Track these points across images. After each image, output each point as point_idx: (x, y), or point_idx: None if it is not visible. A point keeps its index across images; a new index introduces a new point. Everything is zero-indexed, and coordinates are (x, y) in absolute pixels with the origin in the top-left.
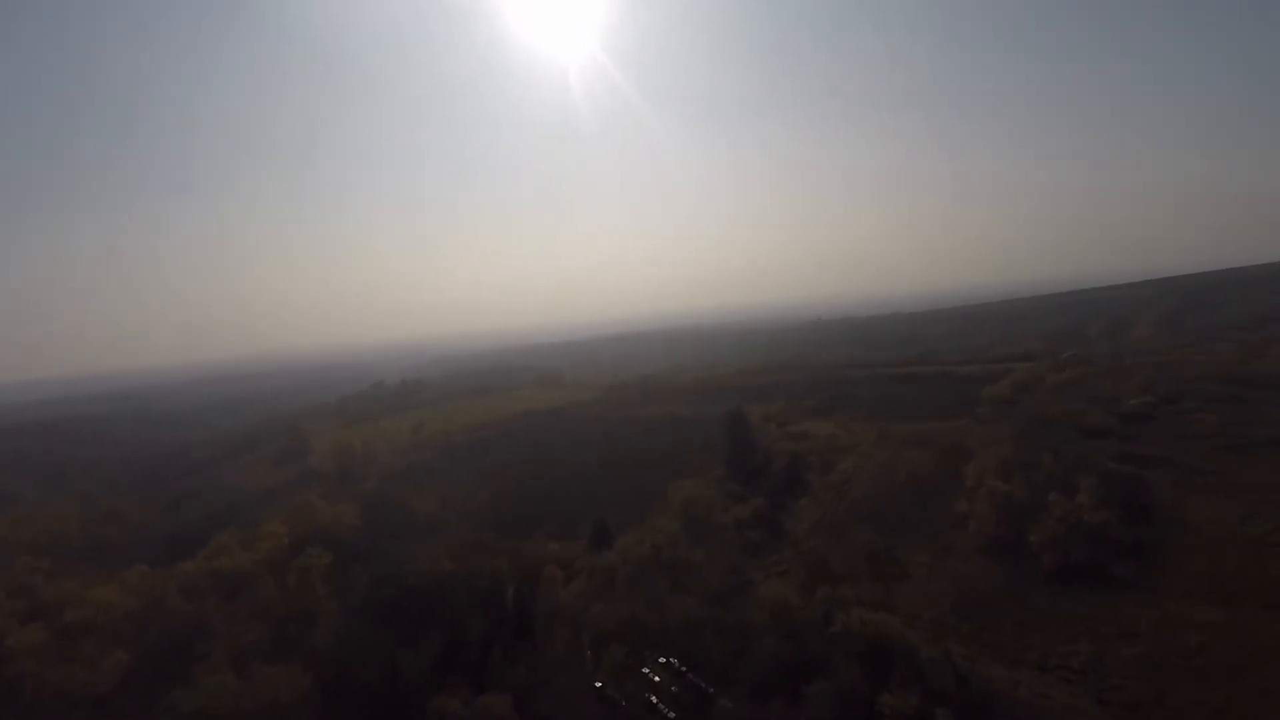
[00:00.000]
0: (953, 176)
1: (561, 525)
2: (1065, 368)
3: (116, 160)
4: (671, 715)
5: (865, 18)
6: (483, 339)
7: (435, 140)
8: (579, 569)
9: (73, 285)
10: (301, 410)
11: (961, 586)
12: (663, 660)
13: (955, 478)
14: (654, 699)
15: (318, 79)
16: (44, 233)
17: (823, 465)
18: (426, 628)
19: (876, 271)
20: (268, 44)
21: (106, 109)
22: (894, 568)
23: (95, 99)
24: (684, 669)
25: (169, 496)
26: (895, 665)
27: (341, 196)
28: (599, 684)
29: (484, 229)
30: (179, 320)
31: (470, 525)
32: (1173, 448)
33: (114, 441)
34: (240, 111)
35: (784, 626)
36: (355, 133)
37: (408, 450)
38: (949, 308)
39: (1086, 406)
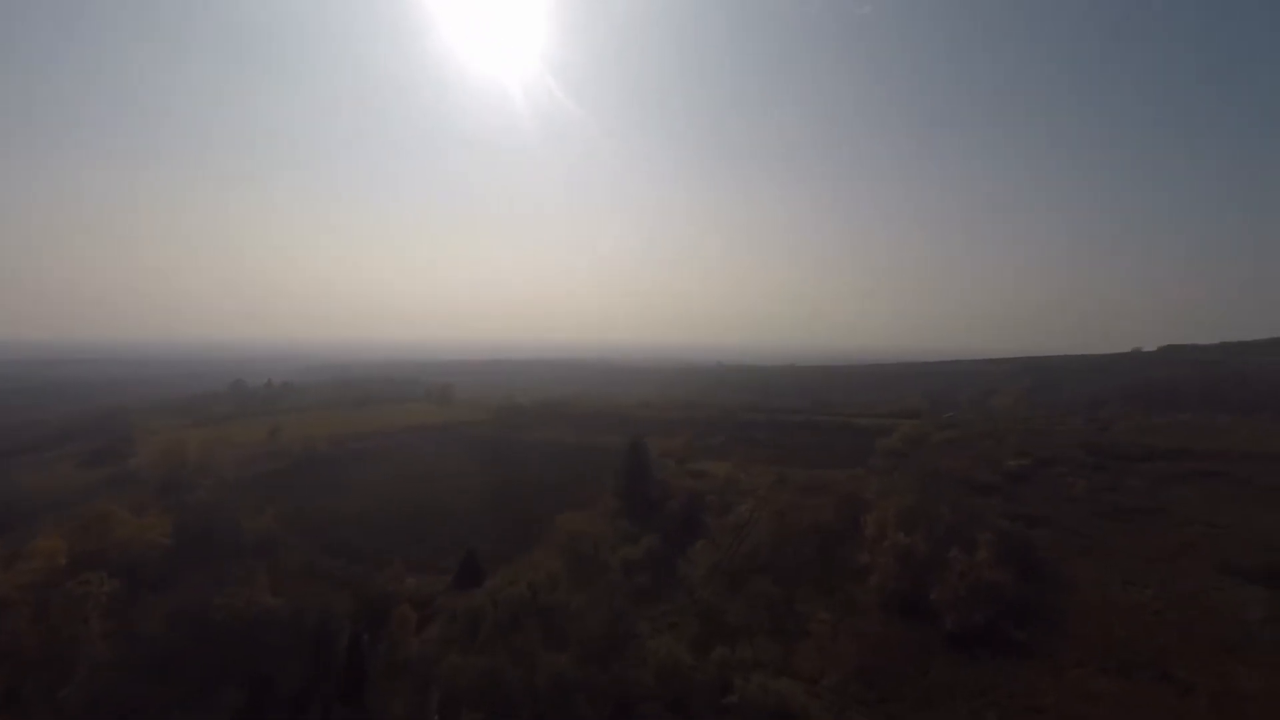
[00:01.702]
0: (855, 246)
1: (426, 555)
2: (947, 427)
3: None
4: None
5: (808, 82)
6: (388, 349)
7: (361, 143)
8: (439, 610)
9: None
10: (144, 404)
11: (864, 647)
12: None
13: (855, 527)
14: None
15: (233, 64)
16: None
17: (721, 506)
18: (224, 681)
19: (777, 326)
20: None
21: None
22: (794, 623)
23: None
24: None
25: None
26: None
27: (242, 186)
28: None
29: (413, 242)
30: (29, 291)
31: (312, 550)
32: (1052, 509)
33: None
34: (151, 82)
35: (672, 690)
36: (275, 126)
37: (256, 459)
38: (840, 365)
39: (972, 464)
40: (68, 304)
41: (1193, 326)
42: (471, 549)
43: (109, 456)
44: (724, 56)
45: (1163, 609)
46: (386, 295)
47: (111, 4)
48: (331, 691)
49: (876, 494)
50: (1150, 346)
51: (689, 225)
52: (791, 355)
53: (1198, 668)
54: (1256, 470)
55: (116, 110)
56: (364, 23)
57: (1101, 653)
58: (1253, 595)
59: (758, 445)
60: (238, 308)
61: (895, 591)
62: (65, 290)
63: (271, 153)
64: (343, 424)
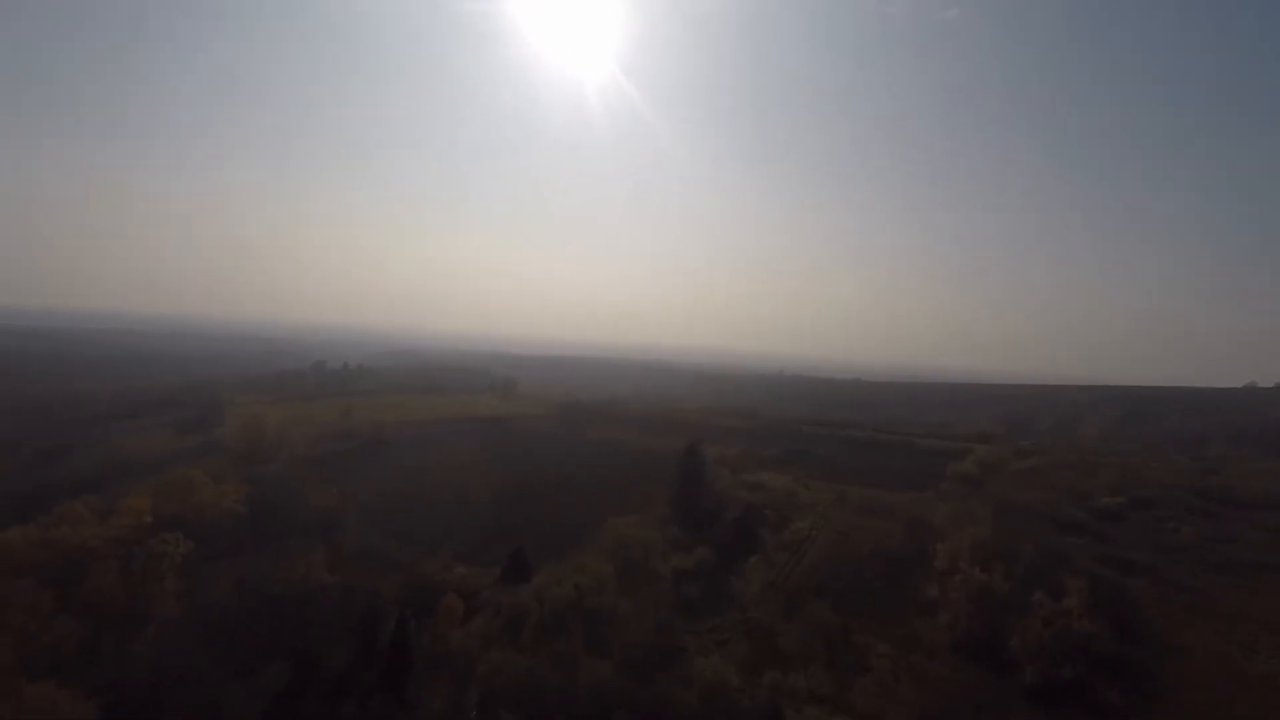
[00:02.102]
0: (931, 259)
1: (476, 545)
2: (1027, 455)
3: (101, 94)
4: None
5: (889, 84)
6: (456, 340)
7: (444, 143)
8: (485, 603)
9: (40, 213)
10: (236, 379)
11: (930, 690)
12: None
13: (923, 556)
14: None
15: (327, 68)
16: (27, 158)
17: (778, 521)
18: (274, 656)
19: (846, 338)
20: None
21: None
22: (852, 655)
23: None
24: None
25: (45, 448)
26: None
27: (346, 185)
28: None
29: (483, 235)
30: (147, 268)
31: (370, 531)
32: (1153, 557)
33: (14, 380)
34: (250, 82)
35: (718, 713)
36: (360, 125)
37: (326, 438)
38: (905, 382)
39: (1057, 498)
40: (177, 281)
41: None
42: (521, 544)
43: (199, 426)
44: (799, 59)
45: None
46: (461, 288)
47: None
48: (374, 677)
49: (947, 522)
50: (1267, 382)
51: (757, 230)
52: (859, 370)
53: None
54: None
55: (220, 110)
56: (453, 32)
57: None
58: None
59: (818, 460)
60: (328, 294)
61: (968, 632)
62: (177, 269)
63: (365, 151)
64: (410, 410)
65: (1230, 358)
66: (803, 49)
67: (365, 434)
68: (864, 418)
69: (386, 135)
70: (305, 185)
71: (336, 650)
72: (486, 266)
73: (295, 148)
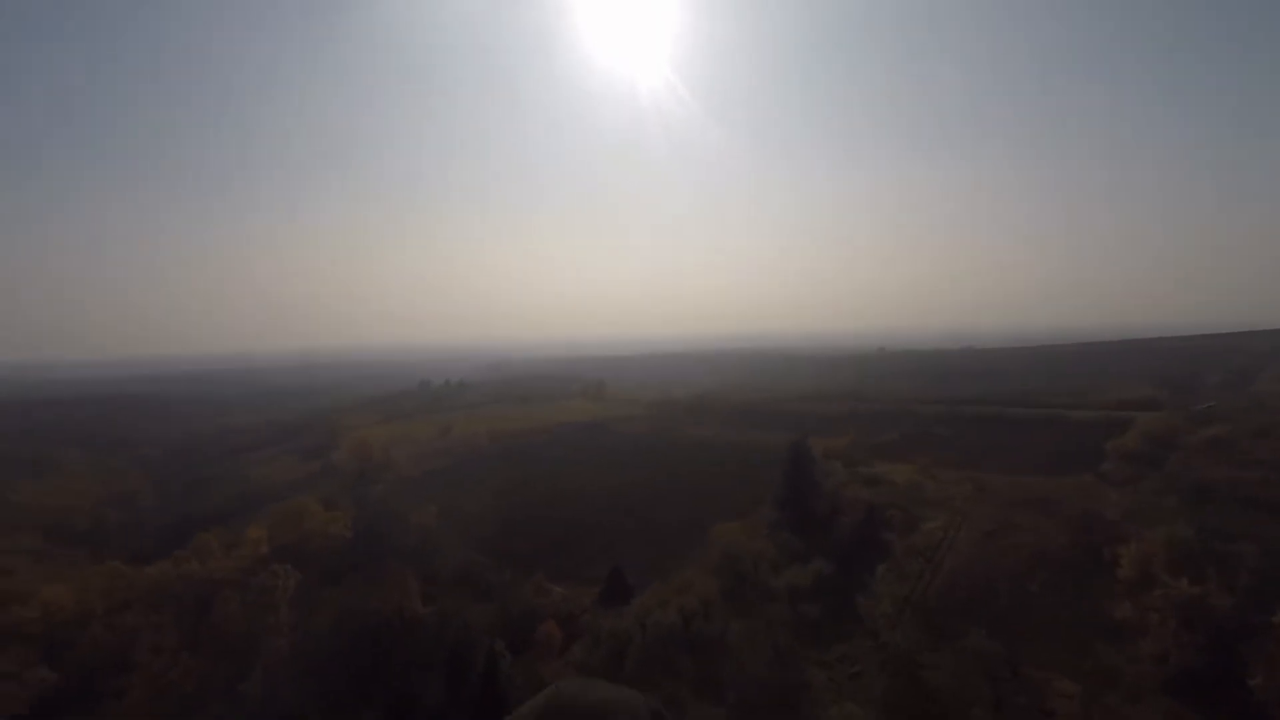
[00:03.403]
0: (1026, 212)
1: (576, 561)
2: (1207, 421)
3: (194, 142)
4: None
5: (950, 50)
6: (537, 348)
7: (508, 152)
8: (584, 628)
9: (151, 270)
10: (344, 404)
11: None
12: None
13: (1102, 563)
14: None
15: (393, 84)
16: (124, 216)
17: (905, 522)
18: (373, 692)
19: (940, 306)
20: (344, 51)
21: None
22: (1025, 696)
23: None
24: None
25: (190, 480)
26: None
27: (414, 202)
28: None
29: (552, 241)
30: (253, 309)
31: (467, 549)
32: None
33: (163, 419)
34: (321, 111)
35: None
36: (432, 141)
37: (429, 454)
38: (1028, 346)
39: (1261, 476)
40: (282, 316)
41: None
42: (619, 563)
43: (319, 452)
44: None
45: None
46: (544, 294)
47: (296, 45)
48: (464, 716)
49: (1125, 515)
50: None
51: (830, 210)
52: (969, 337)
53: None
54: None
55: (283, 122)
56: (517, 38)
57: None
58: None
59: (941, 444)
60: (422, 313)
61: (1183, 666)
62: (281, 302)
63: (439, 163)
64: (505, 420)
65: None
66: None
67: (465, 449)
68: (989, 390)
69: (451, 148)
70: (389, 211)
71: (433, 685)
72: (559, 271)
73: (370, 171)
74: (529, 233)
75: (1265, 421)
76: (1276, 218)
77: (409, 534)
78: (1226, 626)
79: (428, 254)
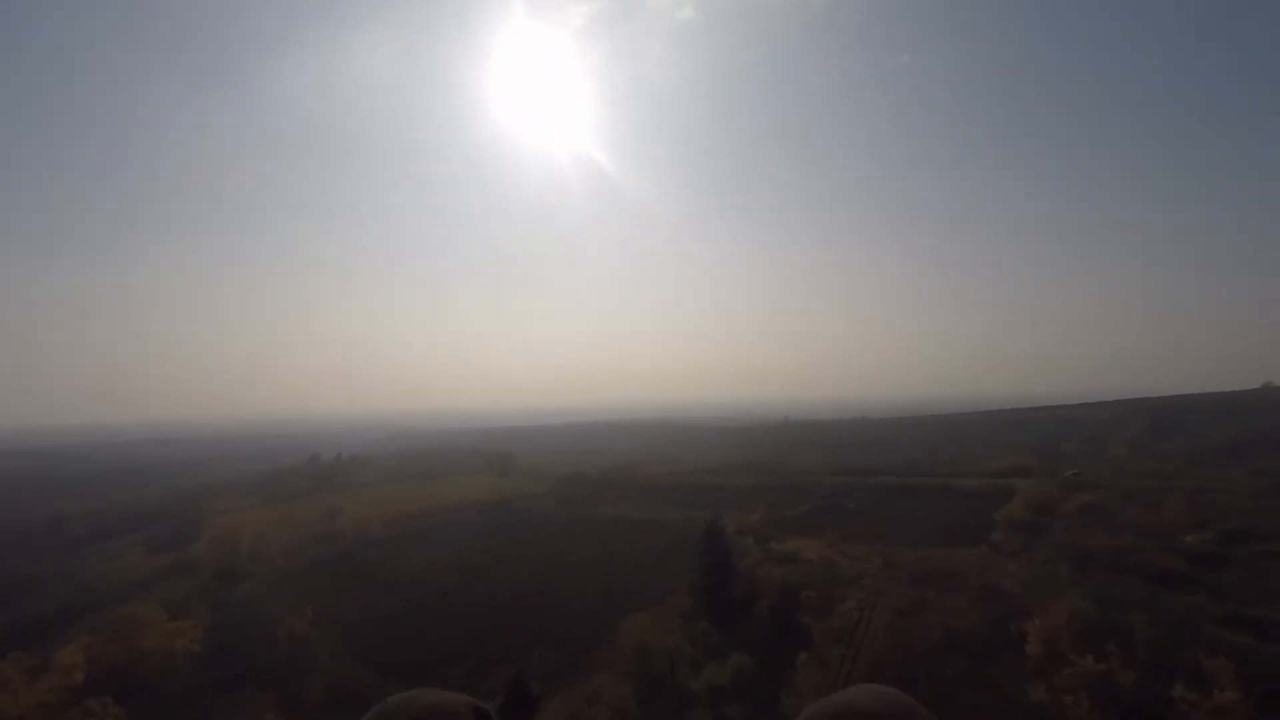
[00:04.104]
0: (917, 288)
1: (473, 670)
2: (1076, 488)
3: (83, 207)
4: None
5: (857, 133)
6: (452, 418)
7: (420, 218)
8: None
9: (18, 331)
10: (218, 484)
11: None
12: None
13: (1009, 640)
14: None
15: (301, 151)
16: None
17: (821, 603)
18: None
19: (836, 377)
20: (264, 127)
21: (84, 153)
22: None
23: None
24: None
25: (6, 584)
26: None
27: (311, 264)
28: None
29: (465, 312)
30: (122, 374)
31: (345, 661)
32: None
33: None
34: (222, 182)
35: None
36: (334, 203)
37: (311, 542)
38: (915, 415)
39: (1133, 540)
40: (163, 382)
41: None
42: (520, 669)
43: (174, 542)
44: (767, 114)
45: None
46: (450, 366)
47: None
48: None
49: (1023, 589)
50: None
51: (745, 281)
52: (862, 407)
53: None
54: None
55: (169, 180)
56: (426, 114)
57: None
58: None
59: (849, 516)
60: (311, 383)
61: None
62: (159, 368)
63: (344, 238)
64: (402, 501)
65: (1239, 358)
66: (769, 106)
67: (352, 535)
68: (884, 461)
69: (365, 219)
70: (288, 276)
71: None
72: (474, 342)
73: (274, 239)
74: (435, 301)
75: (1127, 487)
76: (1120, 297)
77: (275, 647)
78: (1133, 705)
79: (324, 321)
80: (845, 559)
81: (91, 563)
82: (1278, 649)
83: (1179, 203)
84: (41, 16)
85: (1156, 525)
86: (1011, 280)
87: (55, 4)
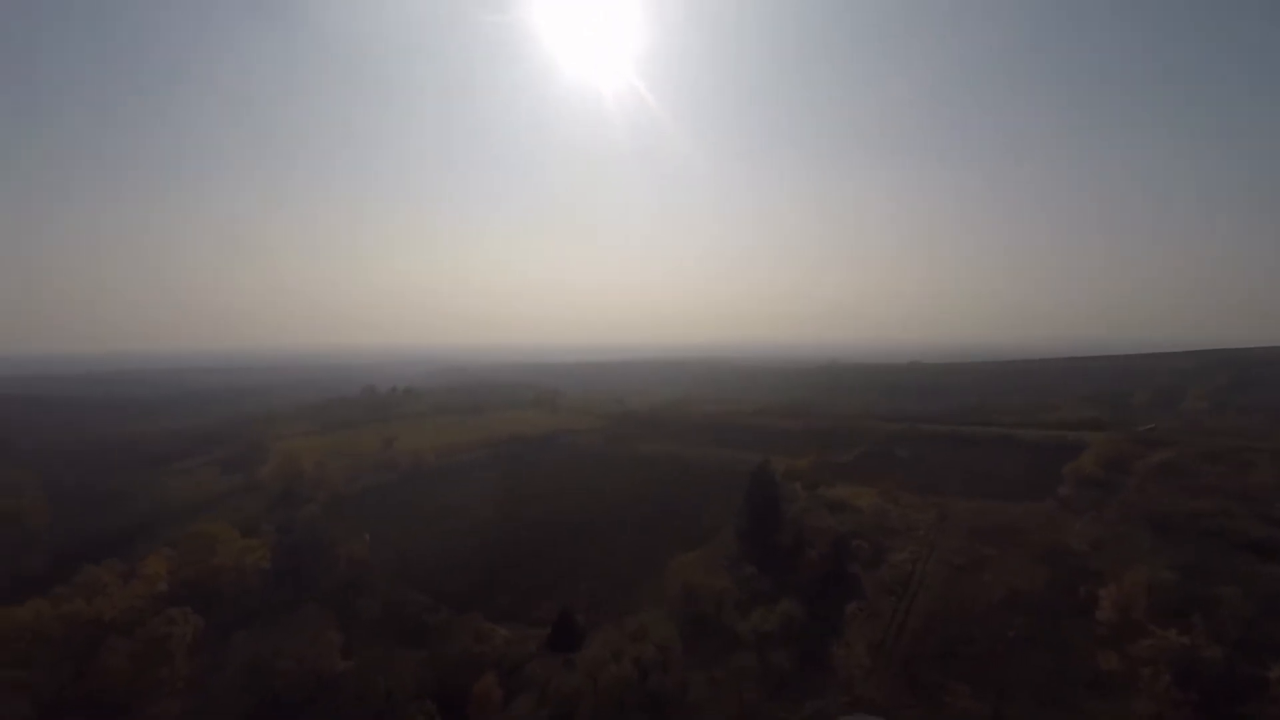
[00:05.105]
0: (974, 229)
1: (521, 598)
2: (1154, 445)
3: (143, 146)
4: None
5: (909, 66)
6: (496, 353)
7: (467, 156)
8: (526, 679)
9: (79, 264)
10: (279, 411)
11: None
12: None
13: (1078, 604)
14: None
15: (351, 85)
16: (73, 212)
17: (872, 553)
18: None
19: (888, 321)
20: (300, 49)
21: (142, 96)
22: None
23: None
24: None
25: (91, 496)
26: None
27: (365, 201)
28: None
29: (511, 245)
30: (186, 306)
31: (403, 582)
32: None
33: (68, 424)
34: (268, 112)
35: None
36: (385, 142)
37: (367, 470)
38: (970, 362)
39: (1220, 503)
40: (222, 314)
41: None
42: (569, 598)
43: (242, 464)
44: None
45: None
46: (500, 299)
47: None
48: None
49: (1093, 548)
50: None
51: (786, 221)
52: (912, 351)
53: None
54: None
55: (239, 123)
56: (474, 47)
57: None
58: None
59: (902, 464)
60: (371, 315)
61: None
62: (218, 301)
63: (394, 170)
64: (454, 432)
65: None
66: (824, 29)
67: (406, 464)
68: (936, 407)
69: (413, 152)
70: (339, 211)
71: None
72: (521, 278)
73: (322, 174)
74: (487, 237)
75: (1211, 446)
76: (1199, 246)
77: (335, 568)
78: (1220, 684)
79: (382, 256)
80: (898, 509)
81: (167, 480)
82: None
83: (1264, 137)
84: None
85: (1243, 489)
86: (1075, 221)
87: None
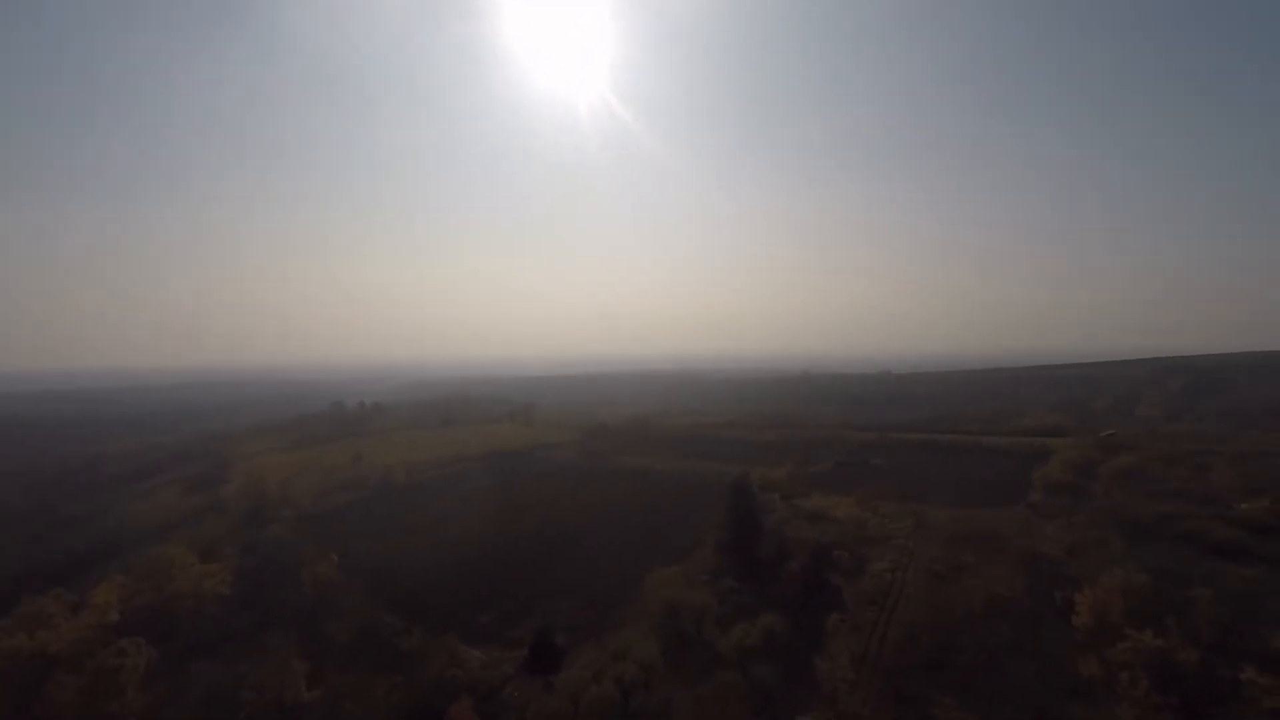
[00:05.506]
0: (941, 242)
1: (499, 618)
2: (1116, 450)
3: (108, 158)
4: None
5: (876, 80)
6: (468, 367)
7: (439, 168)
8: (504, 705)
9: (40, 279)
10: (246, 428)
11: None
12: None
13: (1055, 609)
14: None
15: (321, 95)
16: (35, 226)
17: (852, 563)
18: None
19: (858, 330)
20: (270, 59)
21: (104, 107)
22: None
23: (94, 96)
24: None
25: (47, 521)
26: None
27: (335, 213)
28: None
29: (481, 258)
30: (151, 322)
31: (374, 603)
32: None
33: (26, 445)
34: (237, 123)
35: None
36: (355, 154)
37: (335, 487)
38: (936, 371)
39: (1182, 505)
40: (189, 329)
41: None
42: (547, 617)
43: (204, 483)
44: (789, 53)
45: None
46: (472, 313)
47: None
48: None
49: (1068, 554)
50: None
51: (758, 230)
52: (883, 362)
53: None
54: None
55: (212, 152)
56: (447, 58)
57: None
58: None
59: (877, 473)
60: (341, 330)
61: None
62: (185, 316)
63: (366, 184)
64: (425, 448)
65: (1263, 317)
66: (796, 49)
67: (376, 481)
68: (908, 417)
69: (384, 164)
70: (308, 223)
71: None
72: (489, 290)
73: (295, 187)
74: (459, 250)
75: (1170, 450)
76: (1156, 254)
77: (302, 591)
78: (1196, 686)
79: (352, 269)
80: (876, 517)
81: (127, 501)
82: None
83: (1219, 150)
84: None
85: (1205, 491)
86: (1037, 233)
87: None
